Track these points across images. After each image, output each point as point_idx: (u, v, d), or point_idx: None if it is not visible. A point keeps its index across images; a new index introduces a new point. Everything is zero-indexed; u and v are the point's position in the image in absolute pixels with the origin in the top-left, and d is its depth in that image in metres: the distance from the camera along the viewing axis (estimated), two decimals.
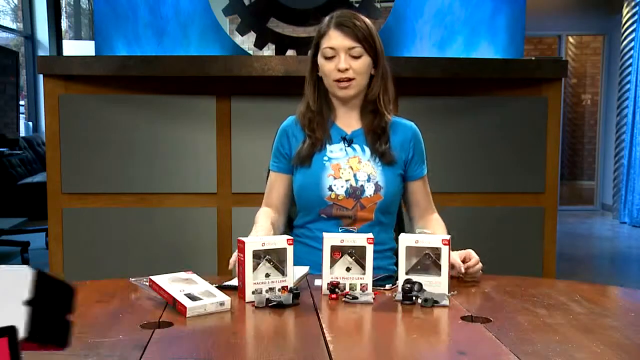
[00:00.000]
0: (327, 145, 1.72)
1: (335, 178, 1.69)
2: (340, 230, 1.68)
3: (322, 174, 1.69)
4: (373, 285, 1.40)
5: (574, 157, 9.90)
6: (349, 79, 1.65)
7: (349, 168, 1.69)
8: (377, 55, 1.69)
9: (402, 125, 1.77)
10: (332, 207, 1.69)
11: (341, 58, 1.64)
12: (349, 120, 1.75)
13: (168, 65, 2.70)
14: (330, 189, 1.68)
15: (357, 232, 1.67)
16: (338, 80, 1.66)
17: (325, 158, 1.71)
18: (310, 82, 1.74)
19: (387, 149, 1.70)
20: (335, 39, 1.66)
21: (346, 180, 1.68)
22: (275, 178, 1.78)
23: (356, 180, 1.68)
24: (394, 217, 1.79)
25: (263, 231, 1.63)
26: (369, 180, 1.68)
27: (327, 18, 1.70)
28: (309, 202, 1.72)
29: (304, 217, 1.76)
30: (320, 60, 1.69)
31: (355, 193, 1.68)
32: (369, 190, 1.68)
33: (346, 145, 1.72)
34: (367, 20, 1.70)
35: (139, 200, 2.85)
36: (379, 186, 1.68)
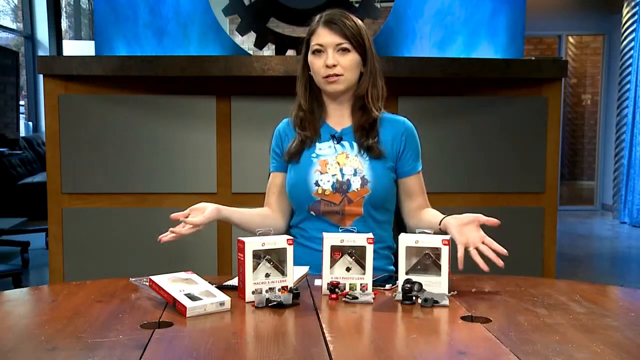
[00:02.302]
0: (317, 143, 1.75)
1: (321, 173, 1.71)
2: (340, 230, 1.68)
3: (309, 170, 1.72)
4: (373, 285, 1.40)
5: (574, 157, 9.91)
6: (337, 75, 1.67)
7: (335, 163, 1.71)
8: (366, 53, 1.71)
9: (393, 120, 1.78)
10: (320, 203, 1.70)
11: (329, 54, 1.67)
12: (339, 119, 1.77)
13: (168, 65, 2.70)
14: (317, 184, 1.70)
15: (355, 231, 1.68)
16: (327, 77, 1.67)
17: (314, 155, 1.74)
18: (302, 81, 1.76)
19: (374, 143, 1.71)
20: (323, 36, 1.68)
21: (332, 175, 1.70)
22: (273, 177, 1.82)
23: (342, 175, 1.70)
24: (391, 214, 1.80)
25: (244, 211, 1.71)
26: (355, 174, 1.70)
27: (316, 17, 1.72)
28: (298, 199, 1.74)
29: (297, 215, 1.79)
30: (310, 58, 1.71)
31: (341, 187, 1.69)
32: (356, 184, 1.69)
33: (335, 142, 1.74)
34: (356, 19, 1.72)
35: (139, 200, 2.85)
36: (366, 180, 1.69)
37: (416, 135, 1.79)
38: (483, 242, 1.48)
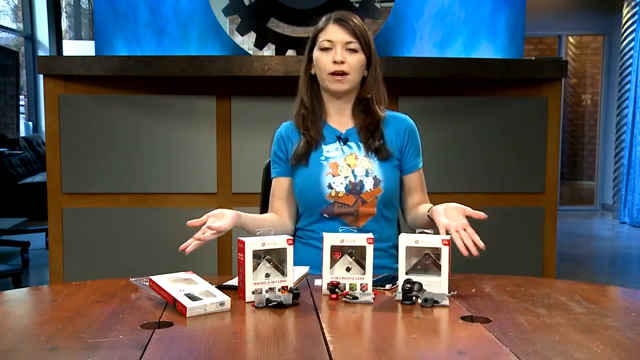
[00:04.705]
0: (323, 146, 1.74)
1: (334, 176, 1.70)
2: (340, 230, 1.68)
3: (321, 173, 1.71)
4: (373, 285, 1.40)
5: (574, 157, 9.90)
6: (344, 73, 1.68)
7: (346, 165, 1.71)
8: (371, 56, 1.72)
9: (395, 117, 1.79)
10: (334, 206, 1.70)
11: (337, 50, 1.68)
12: (341, 120, 1.77)
13: (168, 65, 2.70)
14: (330, 186, 1.70)
15: (362, 229, 1.68)
16: (333, 74, 1.68)
17: (322, 158, 1.73)
18: (305, 78, 1.77)
19: (381, 145, 1.72)
20: (333, 33, 1.69)
21: (345, 177, 1.70)
22: (277, 182, 1.80)
23: (355, 176, 1.70)
24: (396, 210, 1.81)
25: (256, 217, 1.69)
26: (367, 175, 1.70)
27: (325, 16, 1.74)
28: (310, 203, 1.73)
29: (306, 218, 1.77)
30: (316, 53, 1.72)
31: (355, 189, 1.69)
32: (369, 185, 1.69)
33: (342, 144, 1.74)
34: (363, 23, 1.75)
35: (139, 200, 2.85)
36: (378, 180, 1.70)
37: (417, 131, 1.80)
38: (465, 230, 1.44)
